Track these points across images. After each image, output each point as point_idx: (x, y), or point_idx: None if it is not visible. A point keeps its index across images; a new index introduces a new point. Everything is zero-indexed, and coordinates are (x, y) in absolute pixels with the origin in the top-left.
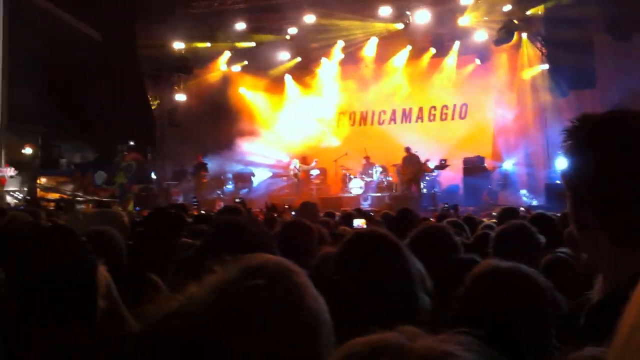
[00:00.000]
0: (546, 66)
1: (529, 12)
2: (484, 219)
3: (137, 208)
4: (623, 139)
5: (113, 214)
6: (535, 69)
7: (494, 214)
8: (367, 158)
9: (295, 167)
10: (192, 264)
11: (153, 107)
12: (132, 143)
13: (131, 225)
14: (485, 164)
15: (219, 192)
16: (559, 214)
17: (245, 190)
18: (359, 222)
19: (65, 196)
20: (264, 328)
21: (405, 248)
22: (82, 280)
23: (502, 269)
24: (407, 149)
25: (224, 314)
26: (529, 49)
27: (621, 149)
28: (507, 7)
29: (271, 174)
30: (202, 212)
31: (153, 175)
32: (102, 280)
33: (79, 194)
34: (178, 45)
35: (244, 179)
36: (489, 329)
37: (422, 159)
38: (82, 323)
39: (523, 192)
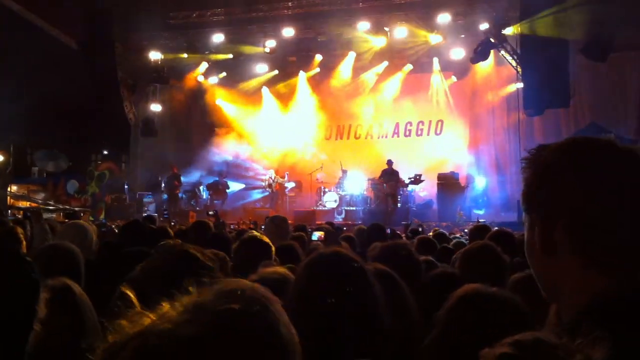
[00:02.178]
0: (521, 85)
1: (505, 31)
2: (457, 234)
3: (104, 220)
4: (608, 166)
5: (81, 227)
6: (510, 87)
7: (466, 230)
8: (343, 172)
9: (270, 177)
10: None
11: (129, 117)
12: (106, 152)
13: (100, 236)
14: (460, 180)
15: (193, 203)
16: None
17: (219, 202)
18: (318, 234)
19: (33, 204)
20: (235, 354)
21: (367, 269)
22: (18, 306)
23: (486, 294)
24: (389, 162)
25: (194, 337)
26: (504, 68)
27: (606, 175)
28: (485, 26)
29: (244, 186)
30: (172, 223)
31: (126, 186)
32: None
33: (51, 202)
34: (155, 55)
35: (218, 190)
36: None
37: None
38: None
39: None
